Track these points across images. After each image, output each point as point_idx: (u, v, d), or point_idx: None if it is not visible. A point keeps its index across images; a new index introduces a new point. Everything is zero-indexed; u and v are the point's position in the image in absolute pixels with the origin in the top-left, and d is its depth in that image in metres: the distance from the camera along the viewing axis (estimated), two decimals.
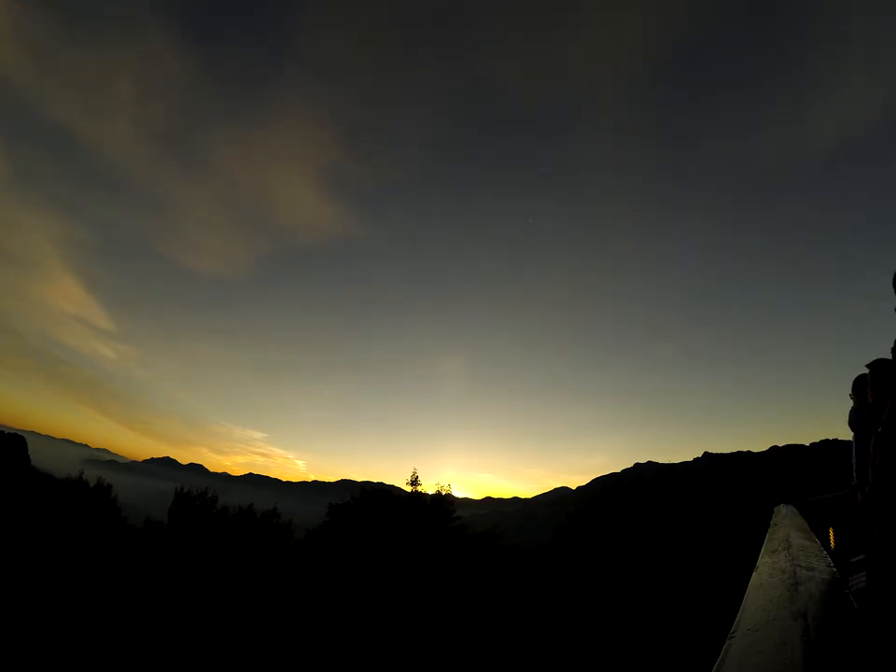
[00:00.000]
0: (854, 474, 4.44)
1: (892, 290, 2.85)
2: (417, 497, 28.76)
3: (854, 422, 4.51)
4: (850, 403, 4.59)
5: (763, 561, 2.00)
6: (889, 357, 3.43)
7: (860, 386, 4.27)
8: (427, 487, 29.38)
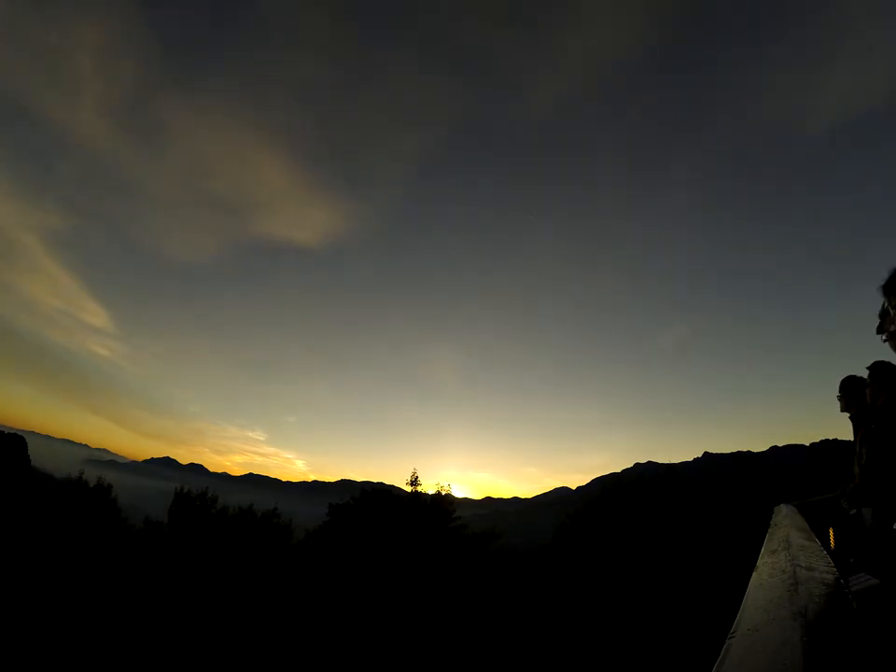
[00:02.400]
0: None
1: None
2: (417, 497, 28.74)
3: None
4: None
5: (763, 561, 2.00)
6: (883, 360, 3.59)
7: (848, 388, 4.29)
8: (427, 487, 29.41)
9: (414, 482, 29.18)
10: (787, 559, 1.89)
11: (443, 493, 29.11)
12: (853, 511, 3.76)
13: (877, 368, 3.64)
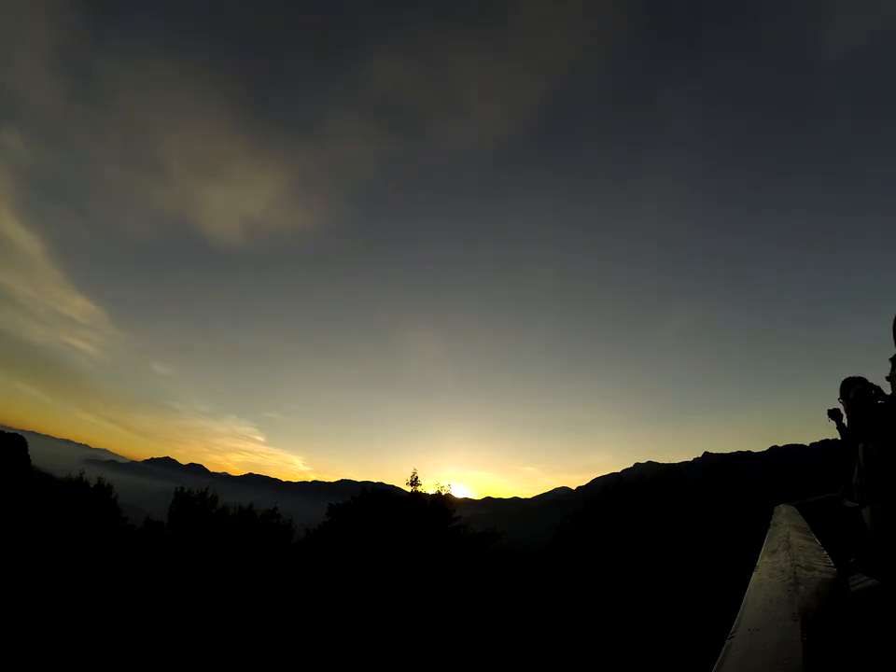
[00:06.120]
0: None
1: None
2: (417, 497, 28.72)
3: None
4: None
5: (763, 561, 2.00)
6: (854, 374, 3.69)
7: (846, 390, 4.28)
8: (428, 487, 29.36)
9: (414, 482, 29.15)
10: (787, 559, 1.89)
11: (443, 493, 29.08)
12: (853, 506, 3.77)
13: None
